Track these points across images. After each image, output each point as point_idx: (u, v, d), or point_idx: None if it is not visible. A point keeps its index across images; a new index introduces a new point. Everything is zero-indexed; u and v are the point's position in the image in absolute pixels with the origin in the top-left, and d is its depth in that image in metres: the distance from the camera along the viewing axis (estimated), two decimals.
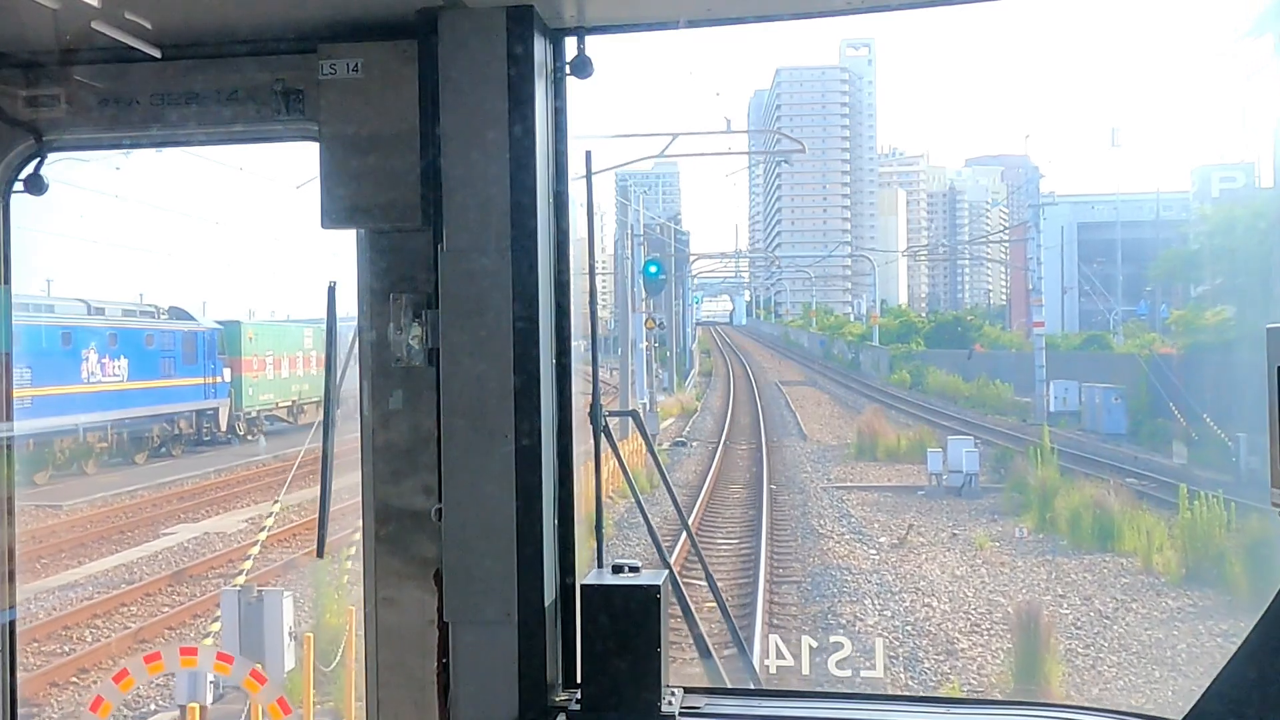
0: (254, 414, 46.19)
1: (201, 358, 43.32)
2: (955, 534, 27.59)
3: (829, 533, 27.26)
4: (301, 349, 51.82)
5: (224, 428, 43.79)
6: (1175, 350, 54.67)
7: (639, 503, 5.63)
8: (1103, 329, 73.99)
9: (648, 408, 44.91)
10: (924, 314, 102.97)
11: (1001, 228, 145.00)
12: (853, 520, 29.21)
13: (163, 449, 40.45)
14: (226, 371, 44.49)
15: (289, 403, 49.34)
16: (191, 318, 44.83)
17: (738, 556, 24.19)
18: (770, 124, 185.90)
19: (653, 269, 46.15)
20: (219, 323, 45.75)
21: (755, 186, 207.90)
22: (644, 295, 48.12)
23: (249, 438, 45.50)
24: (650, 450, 5.75)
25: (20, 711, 5.23)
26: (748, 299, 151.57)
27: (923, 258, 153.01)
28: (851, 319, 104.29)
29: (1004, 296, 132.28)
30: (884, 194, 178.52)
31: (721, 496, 31.52)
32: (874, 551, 25.70)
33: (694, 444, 42.87)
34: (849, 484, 34.62)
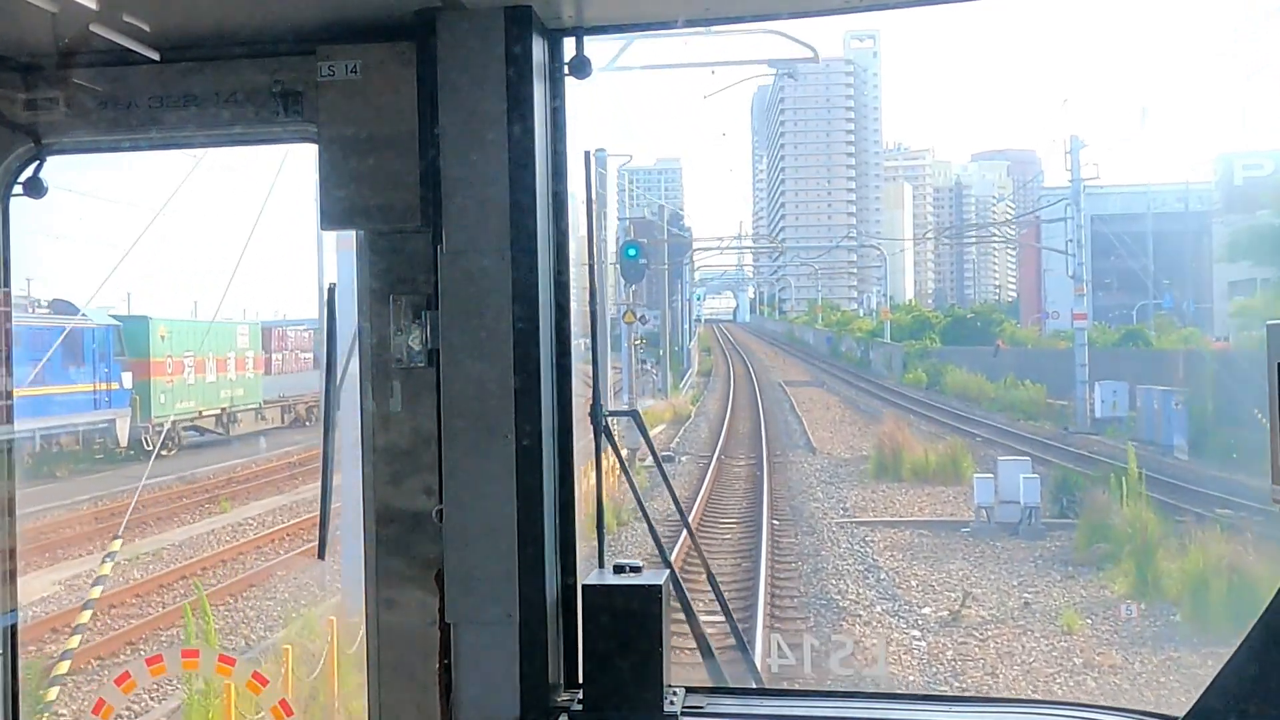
0: (167, 425, 37.29)
1: (91, 360, 34.96)
2: (1028, 602, 18.82)
3: (852, 603, 18.54)
4: (234, 349, 43.06)
5: (124, 443, 34.92)
6: (1231, 345, 46.42)
7: (640, 502, 5.54)
8: (1122, 324, 67.33)
9: None
10: (932, 309, 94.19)
11: (1008, 222, 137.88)
12: (882, 577, 20.54)
13: (44, 470, 31.60)
14: (128, 376, 35.55)
15: (217, 411, 40.58)
16: (77, 311, 35.89)
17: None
18: (774, 120, 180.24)
19: (631, 252, 37.99)
20: (117, 318, 36.82)
21: (759, 183, 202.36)
22: (626, 285, 39.61)
23: (164, 453, 36.66)
24: (651, 451, 5.44)
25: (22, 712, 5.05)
26: (751, 296, 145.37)
27: (931, 248, 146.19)
28: (860, 314, 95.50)
29: (1013, 292, 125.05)
30: (890, 188, 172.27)
31: (708, 538, 22.85)
32: (918, 634, 16.91)
33: (682, 459, 34.13)
34: (872, 519, 25.66)
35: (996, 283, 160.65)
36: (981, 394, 54.88)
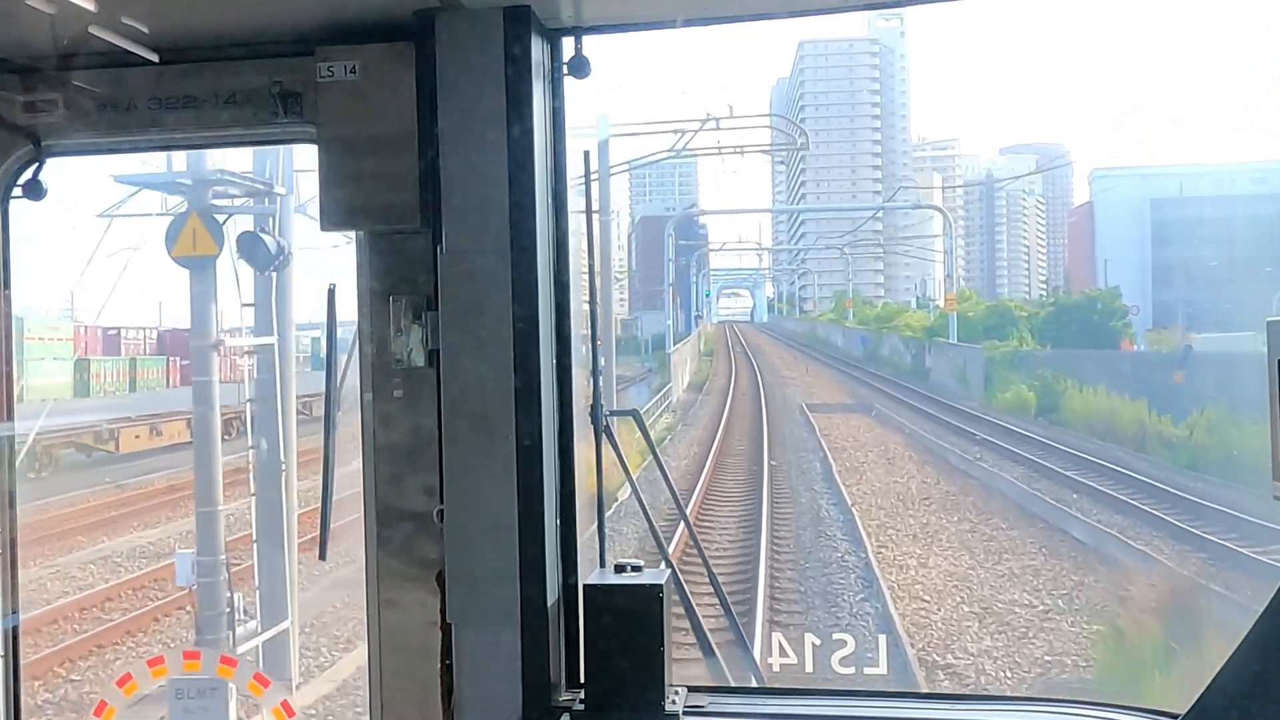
0: None
1: None
2: None
3: None
4: None
5: None
6: None
7: (640, 502, 5.14)
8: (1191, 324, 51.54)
9: None
10: (1013, 299, 67.88)
11: (1038, 218, 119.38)
12: None
13: None
14: None
15: None
16: None
17: None
18: (794, 109, 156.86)
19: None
20: None
21: (779, 178, 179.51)
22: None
23: None
24: (656, 460, 5.06)
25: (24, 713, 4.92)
26: (769, 294, 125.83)
27: (960, 239, 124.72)
28: (912, 306, 69.16)
29: (1042, 286, 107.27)
30: (918, 178, 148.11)
31: None
32: None
33: None
34: None
35: (1029, 274, 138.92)
36: (1144, 431, 31.51)
